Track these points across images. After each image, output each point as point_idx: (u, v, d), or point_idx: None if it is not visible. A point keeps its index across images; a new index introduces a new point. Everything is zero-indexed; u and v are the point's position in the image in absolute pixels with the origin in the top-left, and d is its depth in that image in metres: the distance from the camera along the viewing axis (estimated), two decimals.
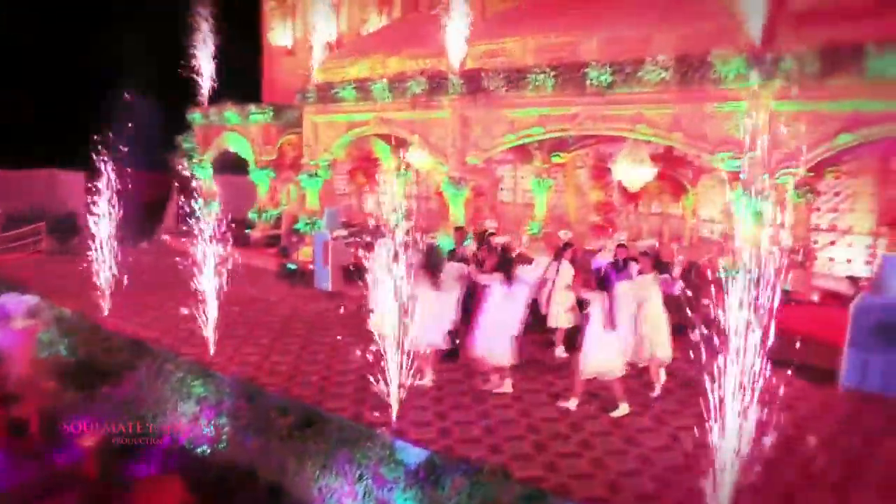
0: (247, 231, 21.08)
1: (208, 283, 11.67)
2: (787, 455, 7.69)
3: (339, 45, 20.68)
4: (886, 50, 10.12)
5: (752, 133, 11.52)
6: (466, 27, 14.91)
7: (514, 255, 10.99)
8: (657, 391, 9.78)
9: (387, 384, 8.67)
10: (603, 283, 9.19)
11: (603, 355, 8.99)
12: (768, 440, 6.57)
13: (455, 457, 7.89)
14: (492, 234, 12.28)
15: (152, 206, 24.44)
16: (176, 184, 24.58)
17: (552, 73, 13.38)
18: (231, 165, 23.86)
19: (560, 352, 11.27)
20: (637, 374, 10.04)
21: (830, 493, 7.29)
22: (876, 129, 10.66)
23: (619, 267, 9.73)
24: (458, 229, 11.62)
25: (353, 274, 14.79)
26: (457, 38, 14.96)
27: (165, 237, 23.11)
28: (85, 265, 14.25)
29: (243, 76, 23.34)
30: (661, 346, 9.67)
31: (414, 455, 8.04)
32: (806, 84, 10.87)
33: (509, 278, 9.52)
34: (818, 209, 14.45)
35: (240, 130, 21.16)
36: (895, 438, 8.54)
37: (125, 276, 14.24)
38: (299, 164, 21.02)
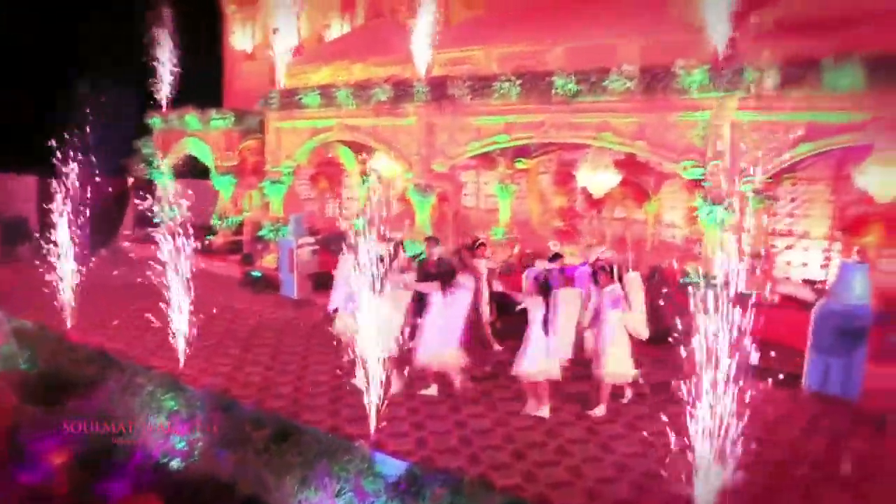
0: (208, 238, 20.78)
1: (174, 291, 11.50)
2: (758, 458, 7.91)
3: (301, 51, 20.53)
4: (841, 64, 10.49)
5: (715, 142, 11.87)
6: (432, 35, 15.00)
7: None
8: (627, 396, 9.98)
9: (364, 395, 8.69)
10: (543, 289, 9.36)
11: (541, 357, 9.18)
12: (740, 444, 6.77)
13: (435, 468, 7.94)
14: (482, 244, 12.30)
15: (110, 212, 23.93)
16: (133, 189, 24.15)
17: (518, 82, 13.50)
18: (192, 170, 23.53)
19: None
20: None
21: (804, 494, 7.54)
22: (833, 140, 11.05)
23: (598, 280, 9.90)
24: (429, 239, 11.65)
25: (321, 282, 14.81)
26: (422, 45, 15.03)
27: (125, 244, 22.65)
28: (40, 272, 13.87)
29: (204, 80, 23.04)
30: (618, 362, 9.63)
31: (393, 467, 8.07)
32: (767, 95, 11.21)
33: (445, 287, 9.64)
34: (776, 214, 14.85)
35: (200, 136, 20.88)
36: (860, 440, 8.86)
37: (86, 285, 13.93)
38: (260, 170, 20.85)
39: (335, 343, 11.38)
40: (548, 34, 13.72)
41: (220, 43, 24.59)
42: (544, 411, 9.45)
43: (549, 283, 9.40)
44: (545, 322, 9.16)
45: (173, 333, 11.41)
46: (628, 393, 9.96)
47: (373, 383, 8.62)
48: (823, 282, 14.02)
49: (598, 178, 14.58)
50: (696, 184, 12.61)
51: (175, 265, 11.64)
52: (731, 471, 6.77)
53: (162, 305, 11.51)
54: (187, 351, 11.32)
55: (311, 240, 15.96)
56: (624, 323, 9.55)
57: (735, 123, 11.71)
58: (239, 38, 23.87)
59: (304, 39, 20.05)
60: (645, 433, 8.88)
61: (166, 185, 22.40)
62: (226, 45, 24.47)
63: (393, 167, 18.26)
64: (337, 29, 21.27)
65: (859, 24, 10.70)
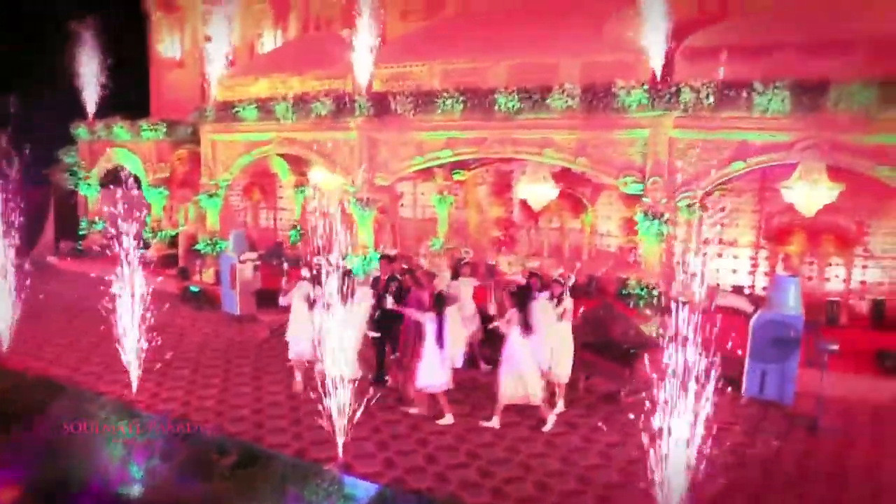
0: (141, 251, 20.20)
1: (121, 310, 11.20)
2: (710, 462, 8.38)
3: (234, 61, 20.24)
4: (770, 88, 11.19)
5: (654, 159, 12.43)
6: (371, 49, 15.07)
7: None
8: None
9: (328, 417, 8.75)
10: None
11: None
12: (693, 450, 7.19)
13: (405, 489, 8.10)
14: (466, 263, 12.48)
15: (29, 225, 22.95)
16: (55, 199, 23.29)
17: (461, 98, 13.77)
18: (117, 179, 22.81)
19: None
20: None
21: (751, 494, 8.05)
22: (763, 158, 11.77)
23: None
24: (385, 258, 11.73)
25: (264, 298, 14.70)
26: (362, 59, 15.09)
27: (51, 258, 21.78)
28: None
29: (130, 88, 22.36)
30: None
31: (363, 489, 8.19)
32: (702, 115, 11.83)
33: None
34: (706, 224, 15.59)
35: (130, 147, 20.34)
36: (798, 442, 9.50)
37: (15, 303, 13.30)
38: (191, 181, 20.48)
39: (287, 363, 11.47)
40: (489, 51, 14.00)
41: (147, 50, 23.91)
42: (495, 421, 9.82)
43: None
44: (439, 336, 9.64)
45: (121, 356, 11.12)
46: (551, 420, 9.94)
47: (336, 406, 8.70)
48: (755, 291, 14.83)
49: (537, 190, 15.02)
50: (631, 196, 13.19)
51: (121, 282, 11.35)
52: (689, 476, 7.19)
53: (103, 326, 11.21)
54: (139, 375, 11.07)
55: (254, 255, 15.77)
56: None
57: (672, 141, 12.29)
58: (166, 46, 23.29)
59: (236, 48, 19.72)
60: (602, 444, 9.28)
61: (93, 196, 21.77)
62: (152, 52, 23.81)
63: (331, 179, 18.24)
64: (270, 38, 21.03)
65: (787, 51, 11.38)
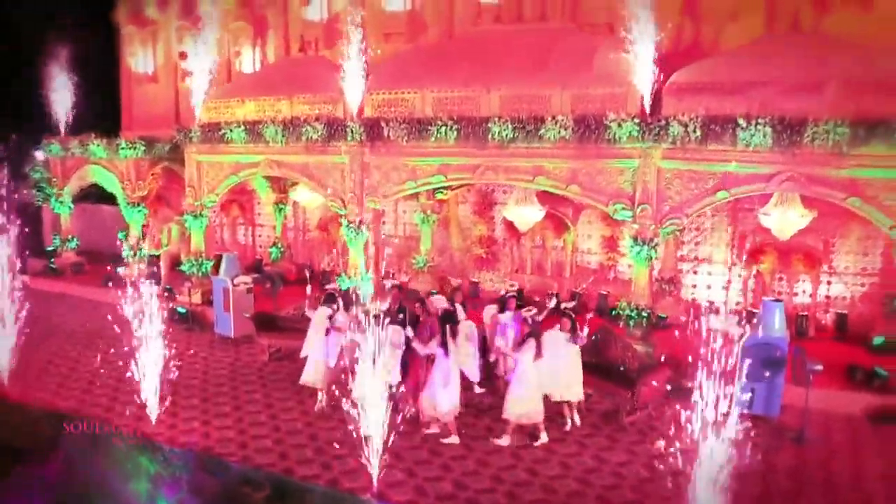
0: (119, 270, 20.12)
1: (124, 336, 11.34)
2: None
3: (214, 79, 20.25)
4: (752, 124, 12.03)
5: (643, 187, 13.17)
6: (361, 73, 15.40)
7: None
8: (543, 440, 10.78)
9: (360, 447, 9.19)
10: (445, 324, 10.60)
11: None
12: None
13: None
14: (456, 289, 12.97)
15: None
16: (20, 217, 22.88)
17: (454, 126, 14.28)
18: (88, 195, 22.62)
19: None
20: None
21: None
22: (745, 188, 12.62)
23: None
24: (395, 287, 12.15)
25: (261, 321, 14.95)
26: (353, 84, 15.42)
27: (25, 278, 21.40)
28: None
29: (99, 101, 22.12)
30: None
31: None
32: (689, 147, 12.61)
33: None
34: (683, 242, 16.49)
35: (106, 165, 20.18)
36: (786, 452, 10.36)
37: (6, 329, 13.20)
38: (167, 198, 20.53)
39: (293, 386, 11.89)
40: (481, 80, 14.52)
41: (117, 64, 23.69)
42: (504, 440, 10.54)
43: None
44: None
45: (126, 386, 11.24)
46: (543, 436, 10.65)
47: (372, 434, 9.14)
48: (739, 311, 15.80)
49: (524, 212, 15.67)
50: (613, 221, 13.99)
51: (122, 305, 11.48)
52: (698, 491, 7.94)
53: (100, 351, 11.30)
54: (147, 406, 11.26)
55: (248, 279, 15.97)
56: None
57: (660, 171, 13.04)
58: (139, 60, 23.12)
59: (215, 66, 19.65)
60: (612, 464, 9.97)
61: (65, 214, 21.54)
62: (122, 66, 23.59)
63: (313, 198, 18.52)
64: (248, 55, 21.12)
65: (767, 89, 12.24)
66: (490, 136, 13.99)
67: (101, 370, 13.44)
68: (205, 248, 18.24)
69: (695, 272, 16.52)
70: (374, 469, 9.19)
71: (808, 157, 11.93)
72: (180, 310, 17.46)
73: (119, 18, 23.19)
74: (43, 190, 23.07)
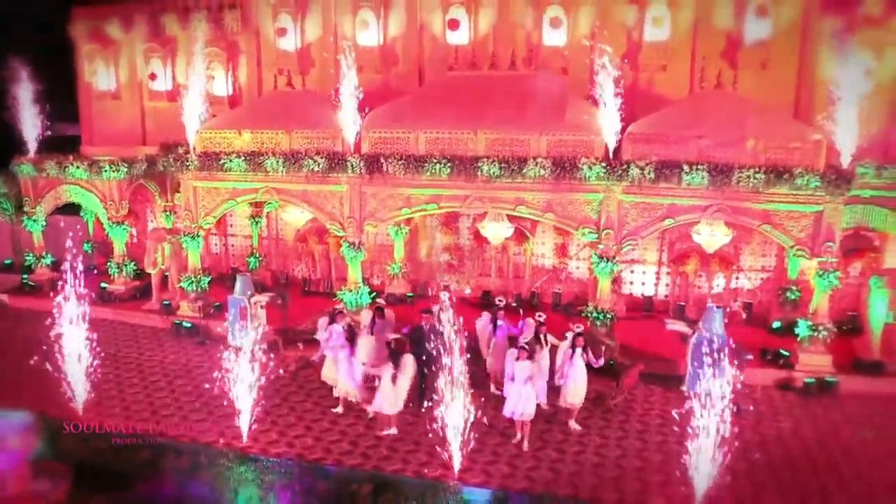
0: (103, 286, 21.32)
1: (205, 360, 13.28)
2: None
3: (174, 96, 21.37)
4: (693, 168, 15.57)
5: (606, 216, 16.51)
6: (358, 111, 17.65)
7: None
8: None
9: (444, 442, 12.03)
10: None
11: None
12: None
13: (513, 491, 11.64)
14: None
15: None
16: None
17: (447, 163, 16.97)
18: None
19: None
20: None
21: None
22: (685, 217, 16.26)
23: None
24: (427, 312, 14.69)
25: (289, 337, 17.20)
26: (350, 121, 17.65)
27: (2, 296, 22.13)
28: None
29: (59, 119, 22.66)
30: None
31: (480, 495, 11.63)
32: (644, 185, 16.03)
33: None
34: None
35: (86, 185, 21.13)
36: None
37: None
38: (136, 211, 21.89)
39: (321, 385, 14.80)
40: (469, 124, 17.23)
41: (75, 81, 24.22)
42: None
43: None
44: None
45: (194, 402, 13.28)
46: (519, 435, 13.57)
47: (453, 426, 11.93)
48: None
49: (497, 229, 18.70)
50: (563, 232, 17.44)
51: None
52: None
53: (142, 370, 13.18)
54: (251, 423, 13.32)
55: (263, 298, 17.91)
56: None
57: (620, 203, 16.42)
58: (101, 78, 23.76)
59: (183, 85, 20.76)
60: (613, 438, 13.36)
61: (37, 232, 22.32)
62: (81, 83, 24.17)
63: (301, 217, 20.61)
64: (221, 77, 22.39)
65: (703, 141, 15.84)
66: (479, 173, 16.81)
67: (151, 391, 15.22)
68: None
69: (631, 271, 20.26)
70: (456, 459, 12.03)
71: (733, 194, 15.68)
72: (186, 324, 19.21)
73: (76, 35, 23.65)
74: (5, 208, 23.61)
